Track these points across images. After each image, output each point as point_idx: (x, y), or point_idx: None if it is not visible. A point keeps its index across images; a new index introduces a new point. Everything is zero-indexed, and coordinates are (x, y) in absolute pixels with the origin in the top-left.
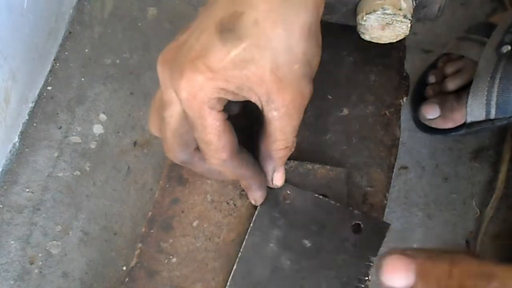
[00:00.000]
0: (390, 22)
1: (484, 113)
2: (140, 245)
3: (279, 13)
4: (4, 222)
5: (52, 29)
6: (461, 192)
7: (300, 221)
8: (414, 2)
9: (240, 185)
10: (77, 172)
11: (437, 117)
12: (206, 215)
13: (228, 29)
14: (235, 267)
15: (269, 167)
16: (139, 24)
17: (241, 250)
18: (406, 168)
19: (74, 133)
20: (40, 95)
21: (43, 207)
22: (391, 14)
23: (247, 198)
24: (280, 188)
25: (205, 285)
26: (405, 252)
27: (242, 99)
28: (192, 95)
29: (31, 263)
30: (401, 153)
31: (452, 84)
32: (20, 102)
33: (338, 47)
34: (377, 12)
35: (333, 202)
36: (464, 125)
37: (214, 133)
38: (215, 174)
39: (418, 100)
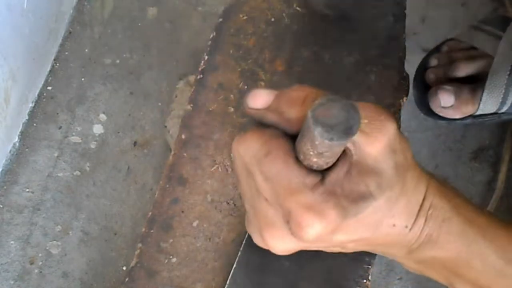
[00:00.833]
0: None
1: (496, 109)
2: (140, 245)
3: None
4: (4, 222)
5: (52, 29)
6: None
7: None
8: None
9: None
10: (77, 172)
11: (449, 106)
12: (206, 215)
13: None
14: (234, 267)
15: None
16: (139, 24)
17: (241, 250)
18: None
19: (74, 133)
20: (40, 95)
21: (43, 207)
22: None
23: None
24: None
25: (205, 285)
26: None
27: None
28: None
29: (31, 263)
30: None
31: (464, 70)
32: (20, 102)
33: (338, 47)
34: None
35: None
36: (470, 116)
37: None
38: None
39: (420, 85)
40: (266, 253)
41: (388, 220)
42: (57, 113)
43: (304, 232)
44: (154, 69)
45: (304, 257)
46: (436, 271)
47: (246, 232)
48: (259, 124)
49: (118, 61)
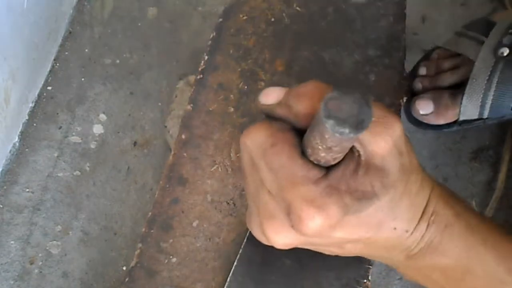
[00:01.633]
0: None
1: (477, 113)
2: (140, 245)
3: None
4: (4, 222)
5: (52, 29)
6: (461, 192)
7: None
8: None
9: (240, 185)
10: (77, 172)
11: (430, 113)
12: (206, 215)
13: None
14: (235, 264)
15: None
16: (139, 24)
17: (242, 248)
18: None
19: (74, 133)
20: (40, 95)
21: (43, 207)
22: None
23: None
24: None
25: (205, 285)
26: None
27: None
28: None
29: (31, 263)
30: None
31: (447, 80)
32: (20, 102)
33: (338, 47)
34: None
35: None
36: (455, 122)
37: None
38: None
39: (409, 94)
40: (267, 251)
41: (389, 222)
42: (57, 113)
43: (304, 225)
44: (154, 69)
45: (305, 256)
46: (433, 280)
47: (246, 231)
48: (268, 117)
49: (118, 61)
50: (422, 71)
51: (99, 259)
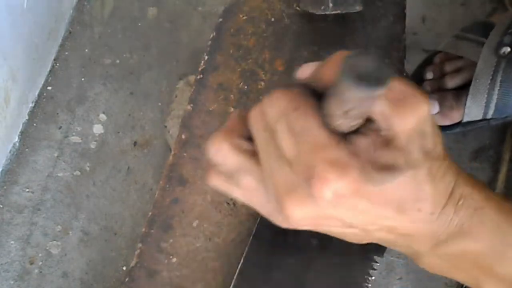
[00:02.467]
0: None
1: (482, 114)
2: (140, 245)
3: None
4: (4, 222)
5: (52, 29)
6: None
7: None
8: None
9: None
10: (77, 172)
11: (434, 114)
12: (206, 215)
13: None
14: (241, 262)
15: None
16: (139, 24)
17: (248, 246)
18: None
19: (74, 133)
20: (40, 95)
21: (43, 207)
22: None
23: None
24: None
25: (205, 285)
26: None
27: None
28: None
29: (31, 263)
30: None
31: (451, 83)
32: (20, 102)
33: (338, 47)
34: None
35: None
36: (459, 123)
37: None
38: None
39: None
40: (274, 250)
41: (413, 203)
42: (57, 113)
43: (324, 188)
44: (154, 69)
45: (311, 254)
46: (463, 269)
47: (246, 231)
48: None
49: (118, 61)
50: (429, 75)
51: (99, 259)
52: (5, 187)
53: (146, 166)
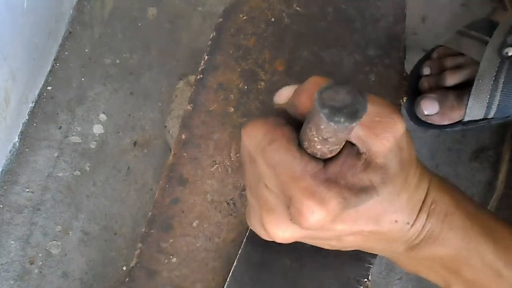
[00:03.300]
0: None
1: (483, 114)
2: (140, 245)
3: None
4: (4, 222)
5: (52, 29)
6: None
7: None
8: None
9: (240, 185)
10: (77, 172)
11: (434, 114)
12: (206, 215)
13: None
14: (235, 264)
15: None
16: (139, 24)
17: (242, 247)
18: None
19: (74, 133)
20: (40, 95)
21: (43, 207)
22: None
23: (247, 198)
24: None
25: (205, 285)
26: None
27: None
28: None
29: (31, 263)
30: None
31: (451, 80)
32: (20, 102)
33: (338, 47)
34: None
35: None
36: (459, 122)
37: None
38: None
39: (412, 93)
40: (267, 251)
41: (390, 215)
42: (57, 113)
43: (304, 218)
44: (154, 69)
45: (305, 255)
46: (433, 271)
47: (246, 231)
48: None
49: (118, 61)
50: (426, 70)
51: (99, 259)
52: (5, 187)
53: (146, 166)
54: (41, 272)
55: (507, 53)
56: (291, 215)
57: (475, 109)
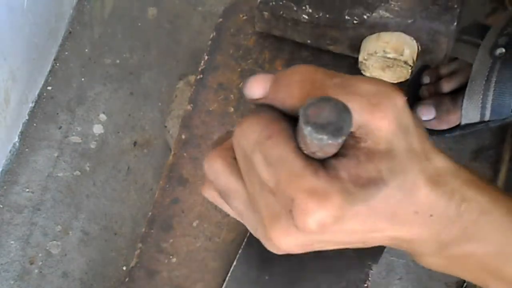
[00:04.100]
0: (391, 65)
1: (479, 116)
2: (140, 245)
3: None
4: (4, 222)
5: (52, 29)
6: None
7: None
8: (419, 47)
9: None
10: (77, 172)
11: (432, 119)
12: (206, 215)
13: None
14: (234, 264)
15: None
16: (139, 24)
17: (242, 247)
18: None
19: (74, 133)
20: (40, 95)
21: (43, 207)
22: (392, 59)
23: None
24: None
25: (205, 285)
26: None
27: None
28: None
29: (31, 263)
30: None
31: (447, 86)
32: (20, 102)
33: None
34: (378, 54)
35: None
36: (458, 126)
37: None
38: None
39: (412, 100)
40: (267, 251)
41: (407, 207)
42: (57, 113)
43: (307, 220)
44: (154, 69)
45: (305, 257)
46: (469, 269)
47: (246, 231)
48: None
49: (118, 61)
50: (426, 79)
51: (99, 259)
52: (5, 187)
53: (146, 166)
54: (41, 272)
55: (499, 53)
56: (294, 218)
57: (470, 110)
